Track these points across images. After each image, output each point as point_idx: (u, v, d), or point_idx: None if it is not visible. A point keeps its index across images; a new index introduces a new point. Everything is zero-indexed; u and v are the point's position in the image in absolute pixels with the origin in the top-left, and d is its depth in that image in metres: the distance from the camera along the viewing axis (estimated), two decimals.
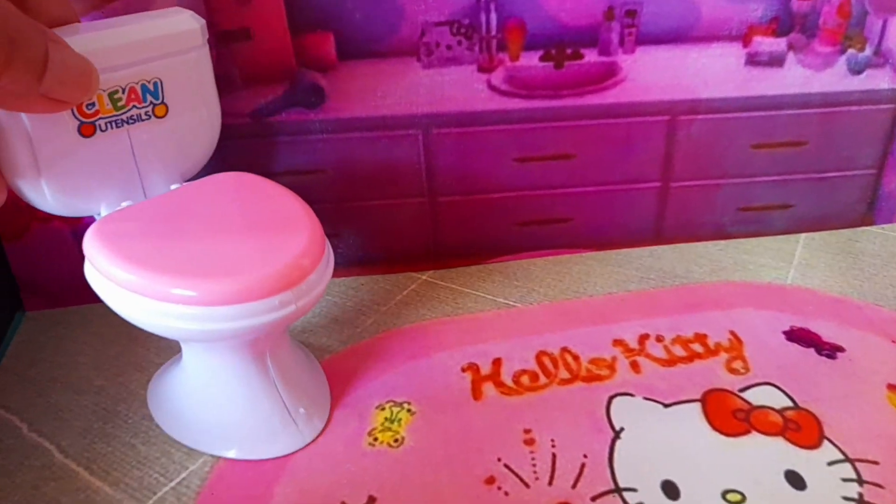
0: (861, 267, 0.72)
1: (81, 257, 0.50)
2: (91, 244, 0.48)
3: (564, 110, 0.69)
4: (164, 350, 0.63)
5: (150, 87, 0.51)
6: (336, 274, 0.70)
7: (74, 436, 0.55)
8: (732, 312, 0.66)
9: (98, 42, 0.48)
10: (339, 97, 0.65)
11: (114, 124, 0.50)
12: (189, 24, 0.52)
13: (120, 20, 0.51)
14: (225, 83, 0.63)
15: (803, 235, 0.78)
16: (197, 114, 0.55)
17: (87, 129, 0.49)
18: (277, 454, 0.53)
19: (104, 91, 0.49)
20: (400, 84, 0.65)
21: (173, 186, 0.55)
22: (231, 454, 0.53)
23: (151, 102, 0.52)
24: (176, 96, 0.53)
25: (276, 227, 0.50)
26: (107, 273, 0.47)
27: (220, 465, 0.53)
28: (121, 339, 0.66)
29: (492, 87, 0.67)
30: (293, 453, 0.53)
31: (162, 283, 0.45)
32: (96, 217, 0.52)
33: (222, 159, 0.60)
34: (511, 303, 0.69)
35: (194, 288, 0.45)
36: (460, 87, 0.66)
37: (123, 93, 0.50)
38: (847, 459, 0.51)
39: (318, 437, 0.55)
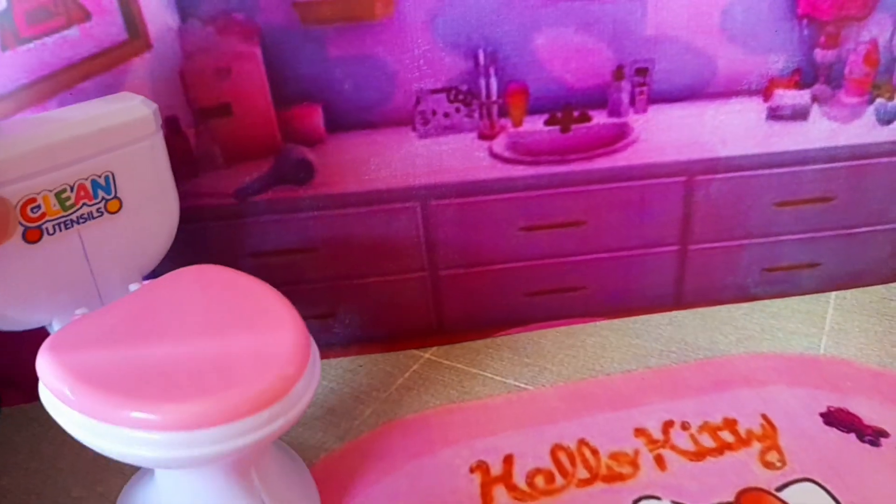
0: None
1: None
2: (43, 364, 0.44)
3: (573, 175, 0.64)
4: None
5: (102, 181, 0.47)
6: (333, 354, 0.66)
7: None
8: (763, 391, 0.61)
9: (41, 140, 0.44)
10: (330, 171, 0.60)
11: (62, 226, 0.46)
12: (140, 111, 0.48)
13: (64, 111, 0.47)
14: (206, 162, 0.59)
15: (833, 294, 0.72)
16: (153, 205, 0.51)
17: (32, 235, 0.45)
18: None
19: (50, 191, 0.45)
20: (395, 155, 0.61)
21: (132, 287, 0.51)
22: None
23: (103, 198, 0.47)
24: (130, 189, 0.49)
25: (254, 329, 0.46)
26: (61, 396, 0.43)
27: None
28: None
29: (494, 155, 0.62)
30: None
31: (126, 407, 0.41)
32: (48, 329, 0.48)
33: (204, 243, 0.56)
34: (522, 385, 0.64)
35: (166, 411, 0.40)
36: (460, 156, 0.62)
37: (72, 191, 0.46)
38: None
39: None
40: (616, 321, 0.71)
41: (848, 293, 0.72)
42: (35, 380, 0.67)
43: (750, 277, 0.71)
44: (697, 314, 0.71)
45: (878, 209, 0.70)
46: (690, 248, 0.69)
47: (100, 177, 0.47)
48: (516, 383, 0.64)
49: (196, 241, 0.55)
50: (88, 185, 0.47)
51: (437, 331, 0.69)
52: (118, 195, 0.48)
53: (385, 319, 0.68)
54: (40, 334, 0.67)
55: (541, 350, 0.67)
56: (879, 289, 0.73)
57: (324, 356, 0.67)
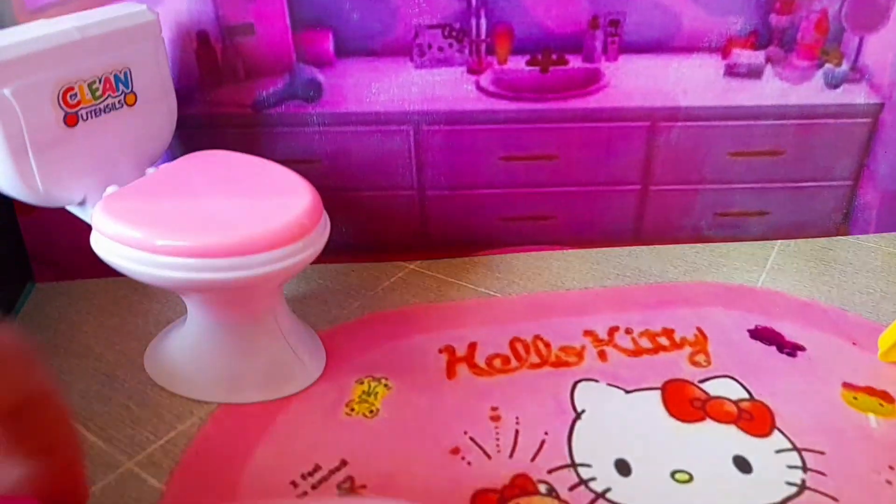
0: (832, 274, 0.75)
1: (89, 231, 0.54)
2: (101, 215, 0.53)
3: (549, 113, 0.72)
4: (160, 322, 0.67)
5: (122, 76, 0.56)
6: (327, 260, 0.74)
7: (74, 396, 0.59)
8: (701, 311, 0.69)
9: (72, 35, 0.52)
10: (336, 92, 0.69)
11: (93, 114, 0.55)
12: (146, 17, 0.58)
13: (80, 16, 0.55)
14: (229, 74, 0.67)
15: (779, 242, 0.81)
16: (160, 102, 0.61)
17: (71, 120, 0.54)
18: (291, 392, 0.58)
19: (84, 82, 0.54)
20: (393, 82, 0.69)
21: (149, 170, 0.60)
22: (244, 398, 0.58)
23: (123, 91, 0.57)
24: (142, 85, 0.58)
25: (274, 191, 0.55)
26: (121, 238, 0.51)
27: (206, 427, 0.57)
28: (121, 311, 0.70)
29: (480, 89, 0.71)
30: (297, 393, 0.58)
31: (179, 238, 0.50)
32: (81, 208, 0.57)
33: (223, 147, 0.64)
34: (492, 293, 0.72)
35: (216, 239, 0.50)
36: (450, 87, 0.70)
37: (100, 83, 0.55)
38: (795, 448, 0.54)
39: (298, 404, 0.58)
40: (581, 251, 0.79)
41: (792, 242, 0.81)
42: (64, 260, 0.76)
43: (703, 220, 0.80)
44: (654, 250, 0.79)
45: (824, 167, 0.78)
46: (651, 188, 0.77)
47: (120, 72, 0.56)
48: (487, 291, 0.72)
49: (215, 146, 0.63)
50: (112, 78, 0.56)
51: (422, 246, 0.78)
52: (134, 90, 0.57)
53: (376, 231, 0.77)
54: (70, 220, 0.76)
55: (512, 268, 0.76)
56: (821, 241, 0.81)
57: (320, 261, 0.75)
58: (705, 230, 0.80)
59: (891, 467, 0.52)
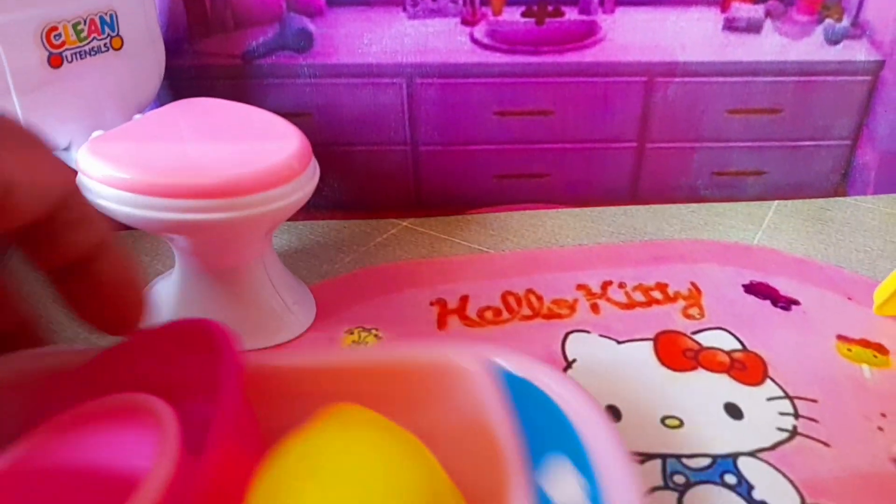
0: (829, 233, 0.74)
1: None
2: (85, 156, 0.52)
3: (544, 66, 0.71)
4: (150, 274, 0.67)
5: (108, 18, 0.55)
6: (319, 216, 0.73)
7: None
8: (696, 266, 0.69)
9: None
10: (327, 43, 0.68)
11: (79, 55, 0.54)
12: None
13: None
14: (218, 24, 0.66)
15: (776, 202, 0.80)
16: (147, 48, 0.60)
17: (55, 61, 0.53)
18: (281, 341, 0.58)
19: (68, 22, 0.53)
20: (386, 33, 0.68)
21: (136, 117, 0.59)
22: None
23: (109, 34, 0.56)
24: (128, 29, 0.57)
25: (263, 135, 0.54)
26: (108, 181, 0.50)
27: None
28: None
29: (474, 41, 0.69)
30: (286, 342, 0.58)
31: (167, 178, 0.49)
32: (67, 152, 0.56)
33: (214, 97, 0.63)
34: (484, 249, 0.72)
35: (209, 179, 0.49)
36: (444, 39, 0.69)
37: (85, 24, 0.54)
38: (787, 396, 0.54)
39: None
40: (576, 209, 0.78)
41: (789, 202, 0.80)
42: None
43: (700, 179, 0.79)
44: (650, 209, 0.78)
45: (823, 125, 0.77)
46: (647, 146, 0.76)
47: (105, 14, 0.55)
48: (480, 247, 0.72)
49: (205, 97, 0.62)
50: (97, 20, 0.55)
51: (416, 204, 0.77)
52: (120, 33, 0.56)
53: (368, 188, 0.76)
54: None
55: (505, 226, 0.75)
56: (819, 201, 0.80)
57: (311, 217, 0.75)
58: (702, 190, 0.79)
59: (882, 415, 0.52)
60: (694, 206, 0.79)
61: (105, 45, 0.56)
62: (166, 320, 0.22)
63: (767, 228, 0.75)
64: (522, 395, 0.32)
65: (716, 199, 0.80)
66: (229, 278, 0.58)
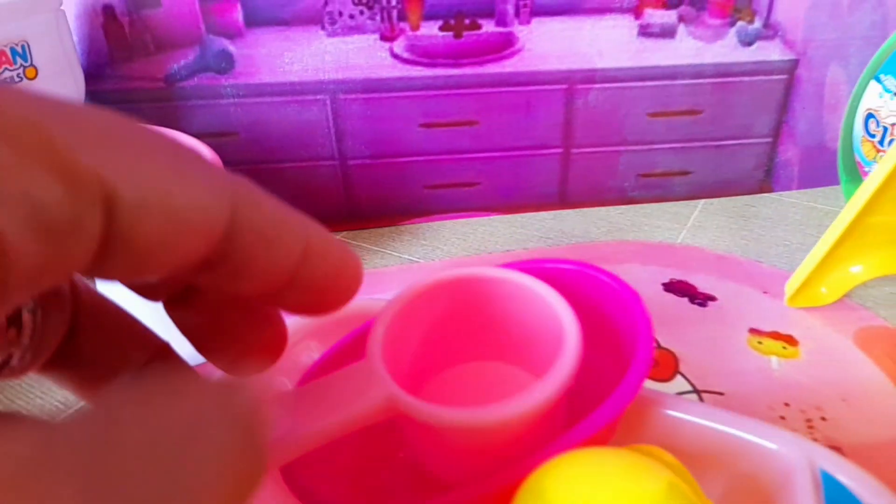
0: (751, 228, 0.76)
1: None
2: None
3: (466, 78, 0.73)
4: None
5: (19, 49, 0.56)
6: None
7: None
8: (619, 267, 0.70)
9: None
10: (248, 63, 0.69)
11: None
12: None
13: None
14: (139, 48, 0.67)
15: (703, 201, 0.82)
16: (65, 76, 0.60)
17: None
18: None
19: None
20: (306, 51, 0.70)
21: None
22: None
23: (22, 65, 0.57)
24: (43, 59, 0.58)
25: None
26: None
27: None
28: None
29: (394, 56, 0.71)
30: None
31: None
32: None
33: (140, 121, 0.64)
34: (415, 259, 0.73)
35: None
36: (364, 55, 0.70)
37: None
38: (694, 391, 0.55)
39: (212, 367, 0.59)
40: (506, 216, 0.80)
41: (715, 200, 0.82)
42: None
43: (627, 182, 0.81)
44: (579, 212, 0.80)
45: (743, 124, 0.79)
46: (573, 151, 0.78)
47: (17, 45, 0.56)
48: (410, 258, 0.73)
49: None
50: (8, 51, 0.56)
51: (347, 217, 0.78)
52: (34, 63, 0.57)
53: (300, 204, 0.76)
54: None
55: (437, 235, 0.77)
56: (744, 198, 0.82)
57: None
58: (630, 191, 0.81)
59: (786, 404, 0.54)
60: (622, 207, 0.81)
61: (18, 75, 0.57)
62: None
63: (692, 227, 0.77)
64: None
65: (644, 200, 0.82)
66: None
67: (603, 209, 0.81)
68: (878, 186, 0.53)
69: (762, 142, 0.80)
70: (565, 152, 0.78)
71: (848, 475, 0.38)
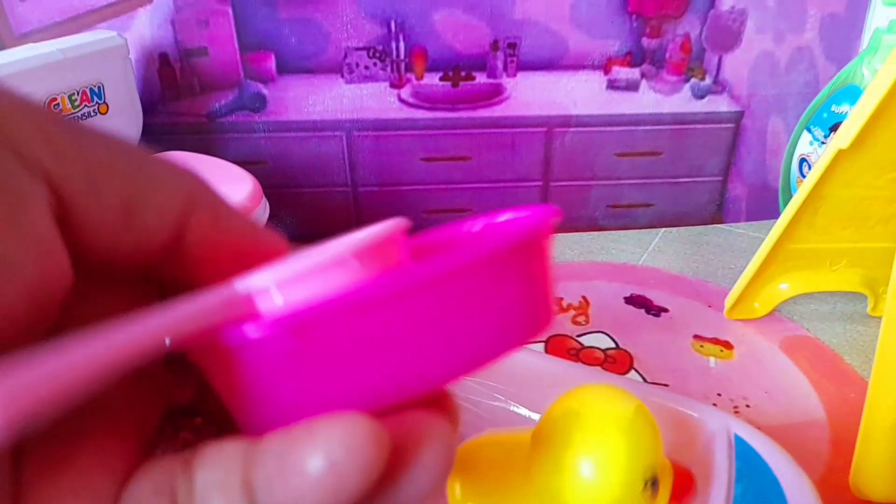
0: (702, 254, 0.89)
1: None
2: None
3: (461, 120, 0.86)
4: None
5: (96, 89, 0.68)
6: None
7: None
8: (587, 283, 0.83)
9: (57, 56, 0.65)
10: (278, 104, 0.82)
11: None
12: (117, 41, 0.71)
13: (62, 41, 0.68)
14: (187, 90, 0.80)
15: (663, 230, 0.95)
16: (128, 111, 0.73)
17: None
18: None
19: (66, 94, 0.66)
20: (327, 95, 0.82)
21: None
22: None
23: (97, 102, 0.69)
24: (113, 97, 0.71)
25: (225, 181, 0.68)
26: None
27: None
28: None
29: (401, 100, 0.84)
30: None
31: None
32: None
33: (182, 150, 0.77)
34: None
35: None
36: (376, 99, 0.83)
37: (78, 95, 0.67)
38: (645, 382, 0.67)
39: None
40: None
41: (673, 229, 0.95)
42: None
43: (598, 211, 0.93)
44: (557, 237, 0.93)
45: (697, 164, 0.93)
46: (551, 184, 0.91)
47: (95, 86, 0.68)
48: None
49: (176, 149, 0.75)
50: (88, 91, 0.68)
51: None
52: (106, 100, 0.70)
53: (316, 224, 0.89)
54: None
55: None
56: (698, 228, 0.95)
57: None
58: (600, 220, 0.94)
59: (718, 394, 0.66)
60: (593, 233, 0.93)
61: (94, 110, 0.69)
62: None
63: (653, 251, 0.89)
64: (747, 461, 0.50)
65: (612, 228, 0.94)
66: None
67: (577, 234, 0.93)
68: (791, 218, 0.66)
69: (714, 180, 0.94)
70: (545, 185, 0.91)
71: (752, 438, 0.50)
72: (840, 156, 0.61)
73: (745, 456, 0.50)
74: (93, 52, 0.68)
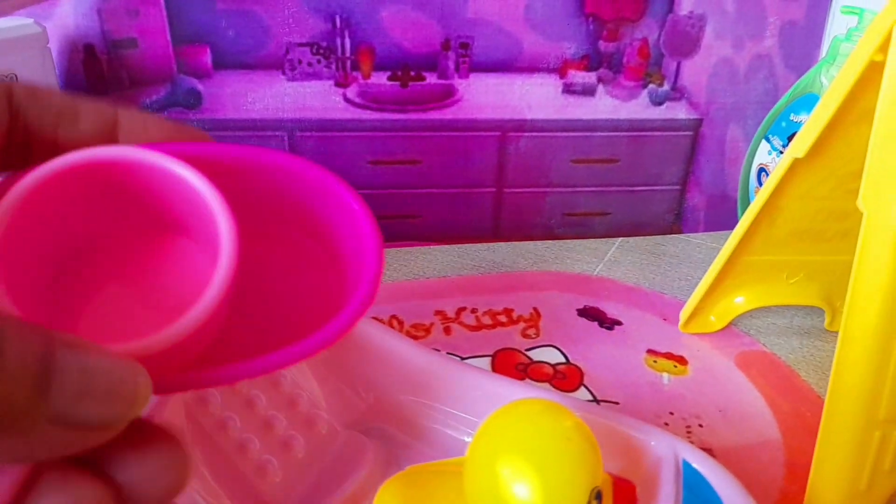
0: (659, 264, 0.86)
1: None
2: None
3: (410, 122, 0.82)
4: None
5: (7, 79, 0.63)
6: None
7: None
8: (540, 294, 0.79)
9: None
10: (214, 101, 0.77)
11: None
12: (35, 29, 0.65)
13: None
14: (115, 84, 0.75)
15: (619, 239, 0.92)
16: None
17: None
18: None
19: None
20: (267, 93, 0.78)
21: None
22: None
23: None
24: None
25: None
26: None
27: None
28: None
29: (347, 100, 0.80)
30: None
31: None
32: None
33: None
34: None
35: None
36: (320, 98, 0.79)
37: None
38: (595, 399, 0.64)
39: None
40: (444, 246, 0.88)
41: (631, 239, 0.92)
42: None
43: (553, 219, 0.90)
44: (510, 245, 0.89)
45: (655, 173, 0.90)
46: (505, 190, 0.88)
47: (7, 76, 0.63)
48: None
49: None
50: None
51: None
52: None
53: None
54: None
55: None
56: (657, 238, 0.92)
57: None
58: (556, 228, 0.91)
59: (671, 413, 0.62)
60: (549, 242, 0.90)
61: None
62: None
63: (608, 261, 0.86)
64: (695, 490, 0.46)
65: (567, 237, 0.91)
66: None
67: (531, 243, 0.90)
68: (746, 230, 0.63)
69: (672, 189, 0.91)
70: (498, 191, 0.87)
71: (701, 464, 0.47)
72: (796, 165, 0.58)
73: (693, 484, 0.46)
74: (5, 39, 0.63)
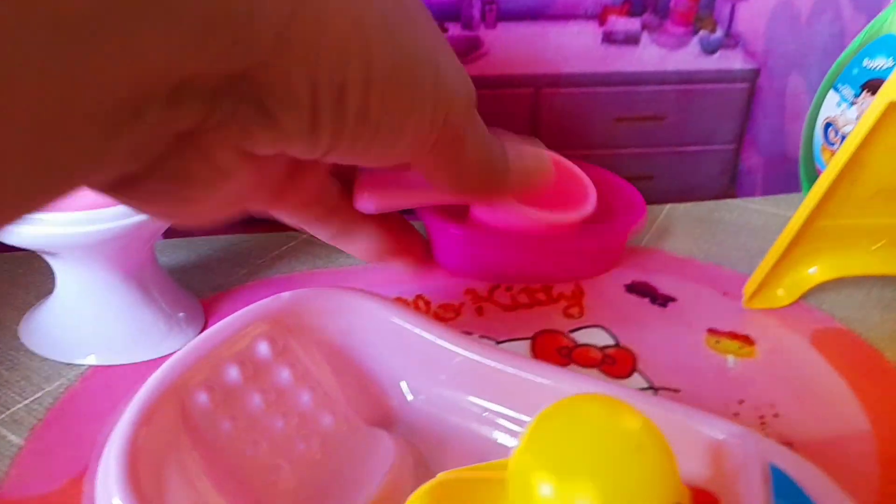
0: (713, 233, 0.77)
1: None
2: None
3: None
4: (42, 293, 0.67)
5: None
6: (221, 232, 0.74)
7: None
8: None
9: None
10: None
11: None
12: None
13: None
14: None
15: (668, 206, 0.83)
16: None
17: None
18: (165, 352, 0.58)
19: None
20: None
21: None
22: (115, 359, 0.58)
23: None
24: None
25: None
26: None
27: (74, 387, 0.56)
28: (3, 283, 0.69)
29: None
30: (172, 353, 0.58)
31: None
32: None
33: None
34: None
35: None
36: None
37: None
38: (651, 387, 0.56)
39: None
40: None
41: (681, 205, 0.83)
42: None
43: None
44: None
45: (706, 131, 0.81)
46: None
47: None
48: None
49: None
50: None
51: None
52: None
53: None
54: None
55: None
56: (709, 203, 0.83)
57: (211, 232, 0.76)
58: None
59: (740, 401, 0.54)
60: None
61: None
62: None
63: (656, 230, 0.78)
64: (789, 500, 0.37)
65: None
66: (111, 291, 0.58)
67: None
68: (826, 190, 0.54)
69: (725, 149, 0.82)
70: None
71: (797, 470, 0.38)
72: (892, 111, 0.49)
73: (784, 492, 0.38)
74: None
